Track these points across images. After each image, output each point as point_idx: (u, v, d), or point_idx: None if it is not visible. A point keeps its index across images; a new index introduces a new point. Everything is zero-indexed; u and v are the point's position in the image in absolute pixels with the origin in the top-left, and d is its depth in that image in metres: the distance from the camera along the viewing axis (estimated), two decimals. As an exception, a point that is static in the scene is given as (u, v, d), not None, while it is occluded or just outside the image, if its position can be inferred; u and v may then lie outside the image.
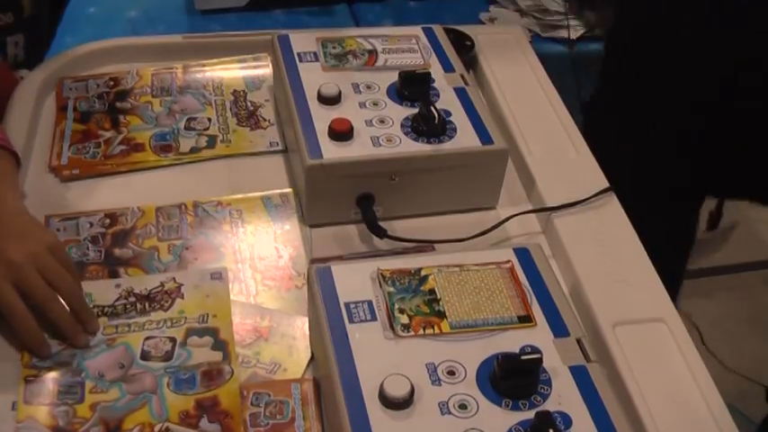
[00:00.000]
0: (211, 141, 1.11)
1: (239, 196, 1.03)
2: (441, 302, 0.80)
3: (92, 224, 0.98)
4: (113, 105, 1.15)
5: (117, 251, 0.95)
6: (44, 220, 0.97)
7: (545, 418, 0.69)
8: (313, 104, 1.01)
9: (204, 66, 1.22)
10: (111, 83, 1.18)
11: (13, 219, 0.90)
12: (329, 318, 0.78)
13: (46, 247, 0.85)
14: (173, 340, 0.85)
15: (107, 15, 1.60)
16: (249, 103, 1.17)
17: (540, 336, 0.78)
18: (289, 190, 1.04)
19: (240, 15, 1.59)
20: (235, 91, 1.19)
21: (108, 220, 0.98)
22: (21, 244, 0.85)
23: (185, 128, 1.13)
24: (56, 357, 0.83)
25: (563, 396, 0.73)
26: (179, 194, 1.02)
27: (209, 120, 1.14)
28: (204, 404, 0.80)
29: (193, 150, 1.10)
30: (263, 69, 1.22)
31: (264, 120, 1.15)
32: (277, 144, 1.11)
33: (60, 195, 1.02)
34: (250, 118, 1.15)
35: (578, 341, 0.77)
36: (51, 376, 0.82)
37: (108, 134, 1.10)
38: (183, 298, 0.89)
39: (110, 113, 1.14)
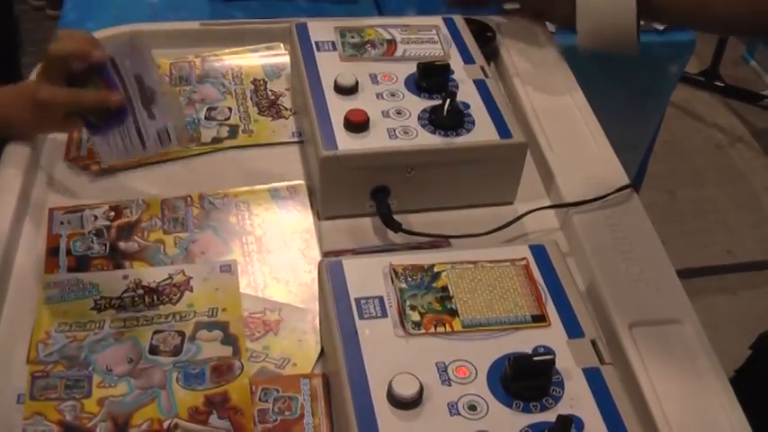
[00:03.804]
0: (233, 131, 1.10)
1: (246, 188, 1.02)
2: (453, 300, 0.78)
3: (96, 217, 0.97)
4: (132, 93, 1.14)
5: (122, 244, 0.94)
6: (48, 213, 0.97)
7: (566, 423, 0.68)
8: (329, 94, 1.00)
9: (219, 55, 1.21)
10: (129, 71, 1.17)
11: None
12: (339, 313, 0.77)
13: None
14: (182, 334, 0.84)
15: (128, 0, 1.59)
16: (270, 92, 1.16)
17: (553, 336, 0.76)
18: (298, 182, 1.03)
19: (262, 3, 1.57)
20: (254, 80, 1.18)
21: (112, 213, 0.97)
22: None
23: (206, 117, 1.11)
24: (63, 350, 0.82)
25: (575, 399, 0.72)
26: (194, 185, 1.02)
27: (230, 109, 1.13)
28: (214, 400, 0.79)
29: (215, 141, 1.08)
30: (282, 58, 1.21)
31: (286, 109, 1.14)
32: (299, 134, 1.10)
33: (66, 187, 1.02)
34: (271, 107, 1.14)
35: (593, 342, 0.76)
36: (58, 371, 0.81)
37: (127, 123, 1.09)
38: (191, 291, 0.88)
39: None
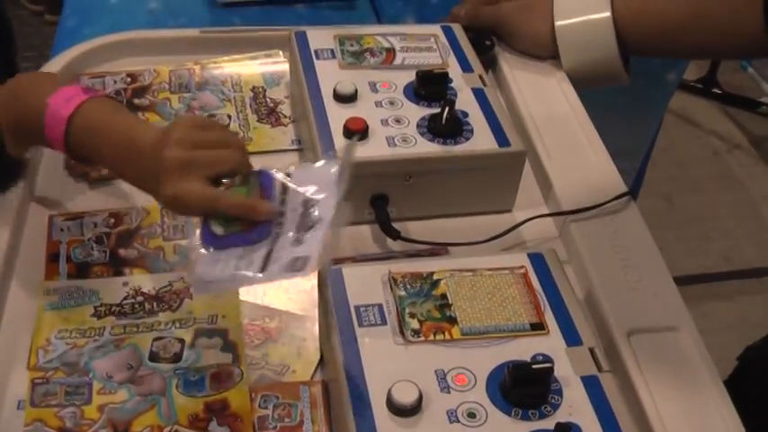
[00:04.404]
0: (233, 138, 1.10)
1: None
2: (452, 308, 0.79)
3: (96, 224, 0.97)
4: (131, 102, 1.14)
5: (122, 251, 0.94)
6: (48, 219, 0.97)
7: (565, 431, 0.69)
8: (329, 102, 1.00)
9: (218, 63, 1.21)
10: (129, 79, 1.17)
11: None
12: (338, 321, 0.77)
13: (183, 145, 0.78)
14: (181, 341, 0.85)
15: (128, 6, 1.59)
16: (269, 100, 1.16)
17: (552, 344, 0.77)
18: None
19: (262, 9, 1.58)
20: (254, 87, 1.18)
21: (112, 220, 0.97)
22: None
23: (206, 125, 1.12)
24: (63, 357, 0.83)
25: (574, 407, 0.72)
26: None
27: (230, 117, 1.13)
28: (214, 407, 0.80)
29: (215, 148, 1.08)
30: (281, 65, 1.21)
31: (285, 116, 1.14)
32: (299, 142, 1.10)
33: (66, 194, 1.02)
34: (270, 115, 1.14)
35: (591, 350, 0.76)
36: (58, 377, 0.81)
37: (128, 131, 1.09)
38: (191, 298, 0.89)
39: (128, 110, 1.12)
